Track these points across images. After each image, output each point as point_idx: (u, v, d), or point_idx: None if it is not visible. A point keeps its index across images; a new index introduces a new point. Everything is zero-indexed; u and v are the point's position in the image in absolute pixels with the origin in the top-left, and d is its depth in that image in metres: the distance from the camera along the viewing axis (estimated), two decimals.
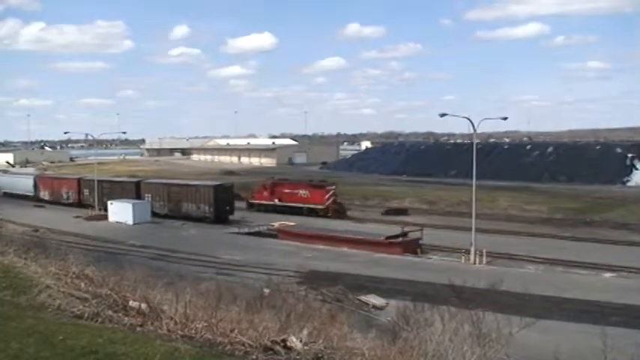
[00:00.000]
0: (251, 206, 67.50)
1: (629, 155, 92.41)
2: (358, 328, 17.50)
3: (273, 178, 74.11)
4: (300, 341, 7.37)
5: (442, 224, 55.65)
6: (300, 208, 63.17)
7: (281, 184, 68.36)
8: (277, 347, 7.17)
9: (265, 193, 67.20)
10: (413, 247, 44.39)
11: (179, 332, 8.11)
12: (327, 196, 62.79)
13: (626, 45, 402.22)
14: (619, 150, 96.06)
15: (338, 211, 61.98)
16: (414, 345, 11.17)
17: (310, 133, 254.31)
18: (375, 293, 30.83)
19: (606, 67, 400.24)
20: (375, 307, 29.03)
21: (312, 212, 62.08)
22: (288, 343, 7.29)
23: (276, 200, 65.62)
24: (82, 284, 12.85)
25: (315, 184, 67.20)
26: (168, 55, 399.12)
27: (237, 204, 64.93)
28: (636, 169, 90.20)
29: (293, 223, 53.38)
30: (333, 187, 64.92)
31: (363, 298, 29.89)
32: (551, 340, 19.62)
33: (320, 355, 6.97)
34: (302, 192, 64.80)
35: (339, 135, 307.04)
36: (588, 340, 15.91)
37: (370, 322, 23.41)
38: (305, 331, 8.08)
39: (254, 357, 6.92)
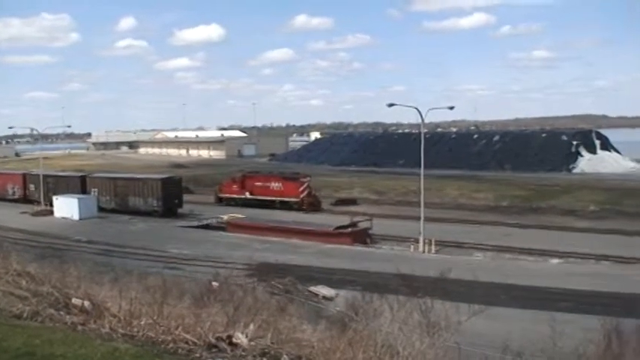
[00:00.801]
0: (220, 200, 65.79)
1: (574, 142, 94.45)
2: (308, 320, 17.39)
3: (243, 170, 72.57)
4: (246, 337, 7.19)
5: (391, 214, 56.00)
6: (273, 201, 61.54)
7: (252, 176, 66.54)
8: (222, 344, 6.97)
9: (235, 187, 65.36)
10: (362, 237, 44.55)
11: (120, 331, 7.84)
12: (301, 188, 61.21)
13: (571, 34, 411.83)
14: (564, 137, 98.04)
15: (313, 204, 60.36)
16: (363, 335, 11.06)
17: (259, 125, 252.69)
18: (325, 284, 30.82)
19: (551, 56, 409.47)
20: (325, 297, 29.02)
21: (286, 205, 60.48)
22: (234, 339, 7.09)
23: (247, 194, 63.92)
24: (23, 282, 12.43)
25: (289, 177, 65.43)
26: (114, 47, 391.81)
27: (203, 198, 64.45)
28: (581, 156, 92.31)
29: (242, 216, 53.01)
30: (308, 179, 63.26)
31: (313, 289, 29.85)
32: (501, 327, 19.83)
33: (266, 350, 6.80)
34: (275, 185, 63.01)
35: (288, 126, 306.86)
36: (537, 326, 16.11)
37: (320, 313, 23.36)
38: (251, 327, 7.89)
39: (197, 355, 6.72)
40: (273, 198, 61.88)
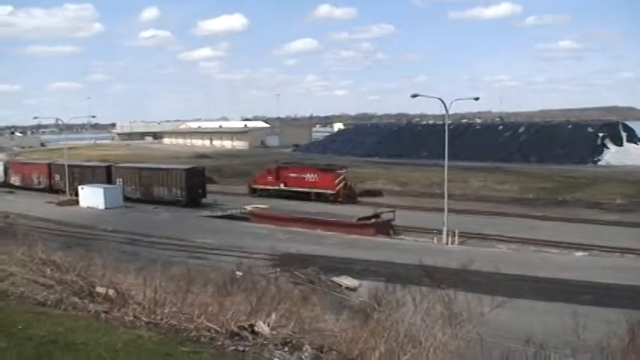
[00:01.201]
0: (253, 191, 65.19)
1: (600, 135, 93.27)
2: (331, 310, 17.45)
3: (278, 161, 72.07)
4: (268, 326, 7.23)
5: (415, 205, 55.85)
6: (308, 193, 60.83)
7: (286, 167, 65.87)
8: (244, 333, 7.02)
9: (269, 178, 64.54)
10: (385, 228, 44.50)
11: (143, 319, 7.92)
12: (337, 180, 60.30)
13: (597, 25, 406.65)
14: (590, 130, 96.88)
15: (349, 196, 59.47)
16: (385, 326, 11.08)
17: (283, 116, 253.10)
18: (348, 274, 30.86)
19: (578, 47, 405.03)
20: (348, 288, 29.05)
21: (321, 197, 59.72)
22: (256, 328, 7.14)
23: (282, 185, 63.24)
24: (48, 270, 12.56)
25: (324, 168, 64.59)
26: (138, 37, 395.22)
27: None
28: (607, 148, 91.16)
29: (266, 206, 53.18)
30: (344, 170, 62.59)
31: (336, 279, 29.90)
32: (524, 320, 19.77)
33: (288, 339, 6.84)
34: (310, 176, 62.13)
35: (311, 117, 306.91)
36: (560, 318, 15.99)
37: (343, 304, 23.40)
38: (273, 316, 7.94)
39: (219, 343, 6.78)
40: (308, 189, 61.20)
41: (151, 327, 7.54)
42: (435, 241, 41.19)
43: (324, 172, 62.23)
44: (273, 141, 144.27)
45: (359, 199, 60.96)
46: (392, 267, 31.59)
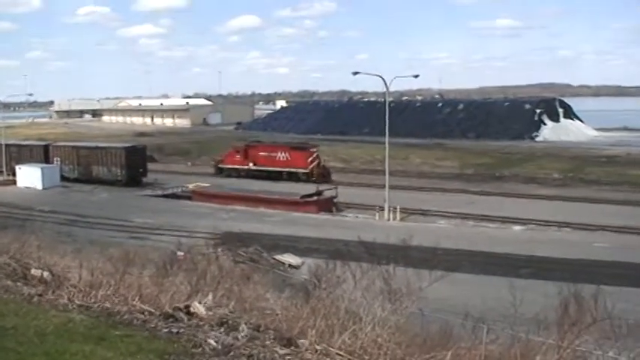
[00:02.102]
0: (220, 171, 63.21)
1: (538, 111, 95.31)
2: (274, 288, 17.41)
3: (247, 140, 70.05)
4: (204, 306, 7.12)
5: (357, 182, 56.17)
6: (280, 172, 59.14)
7: (256, 146, 63.85)
8: (179, 314, 6.89)
9: (238, 157, 62.57)
10: (328, 205, 44.71)
11: (77, 302, 7.71)
12: (310, 159, 58.70)
13: (535, 3, 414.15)
14: (527, 106, 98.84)
15: (323, 175, 57.54)
16: (326, 303, 11.06)
17: (225, 93, 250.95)
18: (291, 252, 30.88)
19: (515, 25, 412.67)
20: (291, 266, 29.09)
21: (294, 177, 57.97)
22: (192, 309, 7.02)
23: (251, 164, 61.39)
24: None
25: (296, 146, 62.78)
26: (76, 14, 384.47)
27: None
28: (544, 124, 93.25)
29: (207, 184, 52.70)
30: (316, 149, 61.25)
31: (279, 257, 29.90)
32: (462, 293, 20.13)
33: (225, 319, 6.74)
34: (281, 155, 60.19)
35: (253, 94, 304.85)
36: (498, 292, 16.34)
37: (286, 282, 23.41)
38: (210, 296, 7.83)
39: (152, 325, 6.64)
40: (280, 169, 59.57)
41: (83, 310, 7.34)
42: (377, 217, 41.59)
43: (296, 151, 60.42)
44: (215, 119, 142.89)
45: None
46: (334, 244, 31.76)
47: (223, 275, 15.80)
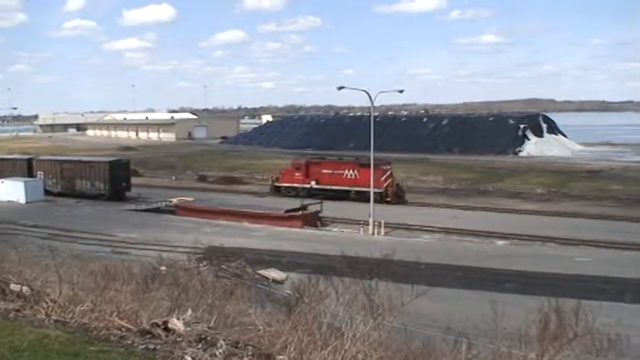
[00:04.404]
0: (277, 190, 58.77)
1: (521, 126, 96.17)
2: (257, 303, 17.32)
3: (306, 156, 65.89)
4: (183, 322, 7.07)
5: (342, 196, 56.10)
6: (347, 192, 54.53)
7: (319, 162, 59.18)
8: (157, 330, 6.84)
9: (298, 174, 57.95)
10: (313, 220, 44.62)
11: (54, 317, 7.64)
12: (384, 177, 53.67)
13: (519, 19, 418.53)
14: (511, 121, 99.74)
15: (398, 195, 53.91)
16: (308, 318, 11.04)
17: (210, 107, 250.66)
18: (275, 267, 30.76)
19: (499, 41, 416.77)
20: (275, 280, 28.94)
21: (362, 197, 51.27)
22: (170, 325, 6.96)
23: (313, 183, 56.74)
24: None
25: (367, 164, 54.36)
26: (62, 28, 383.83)
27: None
28: (528, 139, 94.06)
29: (192, 199, 52.52)
30: (390, 166, 55.97)
31: (263, 272, 29.75)
32: (445, 308, 20.13)
33: (203, 335, 6.70)
34: (349, 172, 55.36)
35: (239, 109, 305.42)
36: (481, 306, 16.31)
37: (270, 297, 23.30)
38: (189, 312, 7.77)
39: (129, 342, 6.58)
40: (347, 188, 54.84)
41: (60, 326, 7.27)
42: (362, 232, 41.57)
43: (367, 169, 52.77)
44: (200, 133, 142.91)
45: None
46: (318, 259, 31.67)
47: (205, 290, 15.72)
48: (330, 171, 56.95)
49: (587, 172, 67.86)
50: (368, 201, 49.49)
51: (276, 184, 59.70)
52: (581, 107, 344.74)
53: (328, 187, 55.52)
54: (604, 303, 19.19)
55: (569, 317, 12.17)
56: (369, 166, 53.01)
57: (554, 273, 29.54)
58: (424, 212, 48.62)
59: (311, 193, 54.89)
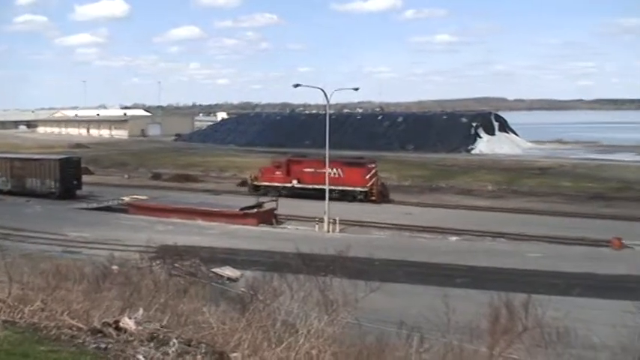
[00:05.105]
0: (256, 189, 56.54)
1: (474, 124, 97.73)
2: (211, 302, 17.23)
3: (288, 154, 64.07)
4: (135, 321, 7.01)
5: (297, 194, 56.17)
6: (330, 191, 50.54)
7: (300, 161, 57.48)
8: (108, 329, 6.77)
9: (279, 173, 56.66)
10: (268, 217, 44.54)
11: (2, 317, 7.50)
12: (368, 175, 53.36)
13: (472, 19, 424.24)
14: (464, 120, 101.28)
15: (383, 194, 53.23)
16: (263, 315, 11.07)
17: (164, 104, 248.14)
18: (229, 265, 30.64)
19: (453, 41, 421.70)
20: (229, 278, 28.82)
21: (348, 196, 52.18)
22: (121, 324, 6.90)
23: (295, 182, 55.63)
24: None
25: (351, 162, 56.56)
26: (12, 22, 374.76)
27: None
28: (480, 137, 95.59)
29: (145, 197, 51.93)
30: (375, 164, 55.47)
31: (218, 270, 29.59)
32: (399, 303, 20.33)
33: (155, 334, 6.66)
34: (332, 171, 52.43)
35: (194, 106, 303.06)
36: (433, 301, 16.53)
37: (225, 295, 23.20)
38: (141, 311, 7.72)
39: (80, 341, 6.51)
40: (331, 187, 50.94)
41: (9, 326, 7.15)
42: (317, 229, 41.68)
43: (351, 167, 54.60)
44: (154, 130, 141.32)
45: (240, 189, 60.14)
46: (273, 256, 31.59)
47: (158, 289, 15.60)
48: (312, 170, 55.19)
49: (537, 170, 69.24)
50: (352, 201, 51.29)
51: (256, 183, 58.25)
52: (532, 106, 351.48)
53: (310, 186, 53.95)
54: (553, 297, 19.64)
55: (519, 311, 12.43)
56: (354, 164, 54.66)
57: (506, 268, 30.05)
58: (379, 209, 48.93)
59: (292, 193, 54.37)
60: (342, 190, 52.61)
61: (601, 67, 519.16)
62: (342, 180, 53.28)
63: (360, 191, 52.83)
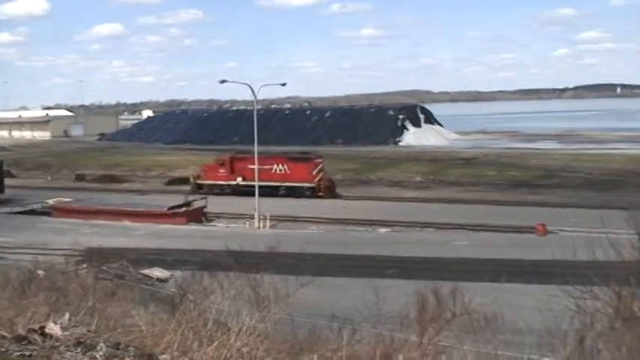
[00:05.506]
0: (199, 188, 55.05)
1: (400, 117, 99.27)
2: (141, 304, 16.97)
3: (232, 151, 61.59)
4: (61, 326, 6.86)
5: (227, 191, 55.81)
6: (276, 187, 52.52)
7: (244, 158, 54.87)
8: (33, 336, 6.60)
9: (222, 171, 55.20)
10: (198, 216, 44.10)
11: None
12: (315, 171, 52.71)
13: (397, 13, 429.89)
14: (391, 112, 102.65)
15: (330, 190, 52.50)
16: (193, 315, 10.98)
17: (87, 104, 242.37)
18: (159, 266, 30.21)
19: (378, 34, 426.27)
20: (159, 279, 28.43)
21: (295, 192, 51.90)
22: (47, 330, 6.74)
23: (239, 179, 53.96)
24: None
25: (297, 157, 55.66)
26: None
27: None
28: (407, 129, 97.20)
29: (69, 199, 50.62)
30: (321, 159, 54.58)
31: (146, 271, 29.14)
32: (330, 297, 20.46)
33: (82, 339, 6.53)
34: (278, 167, 52.92)
35: (118, 104, 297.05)
36: (364, 293, 16.75)
37: (155, 296, 22.88)
38: (66, 316, 7.55)
39: (3, 349, 6.32)
40: (277, 184, 52.61)
41: None
42: (248, 226, 41.53)
43: (298, 163, 53.93)
44: (77, 130, 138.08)
45: (167, 187, 59.42)
46: (203, 255, 31.35)
47: (86, 293, 15.28)
48: (258, 166, 53.54)
49: (462, 160, 70.84)
50: (300, 197, 50.78)
51: (198, 181, 56.86)
52: (457, 98, 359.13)
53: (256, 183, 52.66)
54: (481, 284, 20.22)
55: (447, 299, 12.71)
56: (301, 160, 53.95)
57: (434, 257, 30.65)
58: (310, 204, 49.07)
59: (237, 191, 53.08)
60: (289, 187, 52.39)
61: (521, 59, 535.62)
62: (289, 176, 52.86)
63: (308, 187, 52.30)
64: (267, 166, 52.76)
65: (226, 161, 56.02)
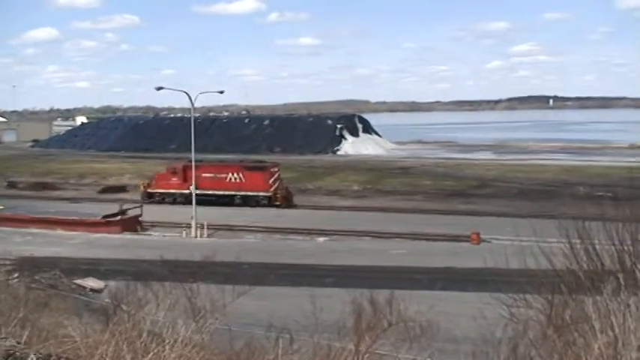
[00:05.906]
0: (149, 197, 54.27)
1: (339, 126, 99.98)
2: (75, 315, 16.61)
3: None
4: None
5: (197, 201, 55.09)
6: (232, 197, 51.93)
7: (198, 166, 51.05)
8: None
9: (175, 179, 53.87)
10: (133, 224, 43.38)
11: None
12: (271, 180, 52.01)
13: (335, 23, 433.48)
14: (329, 122, 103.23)
15: (287, 199, 52.19)
16: (128, 327, 10.80)
17: (20, 109, 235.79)
18: (93, 275, 29.60)
19: (317, 44, 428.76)
20: (93, 290, 27.88)
21: (251, 201, 51.30)
22: None
23: (192, 188, 51.21)
24: None
25: (253, 166, 54.69)
26: None
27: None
28: (345, 139, 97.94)
29: (1, 207, 49.09)
30: (278, 168, 54.12)
31: (80, 281, 28.54)
32: (268, 306, 20.41)
33: (11, 351, 6.37)
34: (232, 176, 52.34)
35: (52, 110, 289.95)
36: (302, 302, 16.79)
37: (89, 306, 22.44)
38: None
39: None
40: (232, 192, 52.16)
41: None
42: (184, 235, 41.08)
43: (253, 171, 53.06)
44: (9, 136, 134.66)
45: (101, 196, 58.33)
46: (138, 264, 30.83)
47: (17, 304, 14.87)
48: (211, 175, 52.93)
49: (399, 169, 71.73)
50: (255, 206, 50.26)
51: (149, 190, 55.54)
52: (394, 108, 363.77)
53: (210, 192, 51.62)
54: (417, 292, 20.46)
55: (384, 307, 12.83)
56: (256, 169, 53.26)
57: (371, 266, 30.93)
58: (248, 212, 48.87)
59: (190, 200, 49.97)
60: (245, 196, 51.92)
61: (456, 71, 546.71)
62: (244, 185, 52.30)
63: (264, 196, 51.78)
64: (222, 175, 52.62)
65: (179, 169, 54.58)
